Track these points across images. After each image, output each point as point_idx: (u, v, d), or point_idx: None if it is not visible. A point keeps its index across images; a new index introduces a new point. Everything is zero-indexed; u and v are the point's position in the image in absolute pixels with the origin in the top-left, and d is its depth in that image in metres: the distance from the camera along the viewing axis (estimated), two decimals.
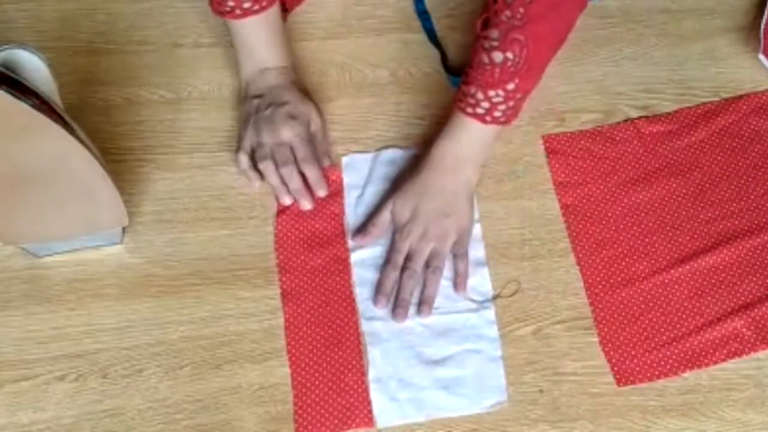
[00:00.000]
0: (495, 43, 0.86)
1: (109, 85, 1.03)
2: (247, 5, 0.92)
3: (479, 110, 0.88)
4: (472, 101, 0.88)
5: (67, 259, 0.92)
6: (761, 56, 1.04)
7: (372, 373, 0.86)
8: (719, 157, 0.98)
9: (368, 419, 0.84)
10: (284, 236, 0.93)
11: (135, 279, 0.91)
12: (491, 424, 0.84)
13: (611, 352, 0.87)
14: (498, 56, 0.86)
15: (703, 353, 0.87)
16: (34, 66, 0.77)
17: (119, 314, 0.89)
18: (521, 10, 0.85)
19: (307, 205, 0.93)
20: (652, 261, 0.92)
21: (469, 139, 0.91)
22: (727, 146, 0.99)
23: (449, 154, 0.91)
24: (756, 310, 0.88)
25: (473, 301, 0.90)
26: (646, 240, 0.93)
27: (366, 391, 0.85)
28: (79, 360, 0.87)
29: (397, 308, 0.88)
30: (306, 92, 0.99)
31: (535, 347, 0.88)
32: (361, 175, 0.97)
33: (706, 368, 0.86)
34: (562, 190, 0.96)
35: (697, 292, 0.90)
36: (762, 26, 1.04)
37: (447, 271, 0.91)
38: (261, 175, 0.94)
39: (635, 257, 0.92)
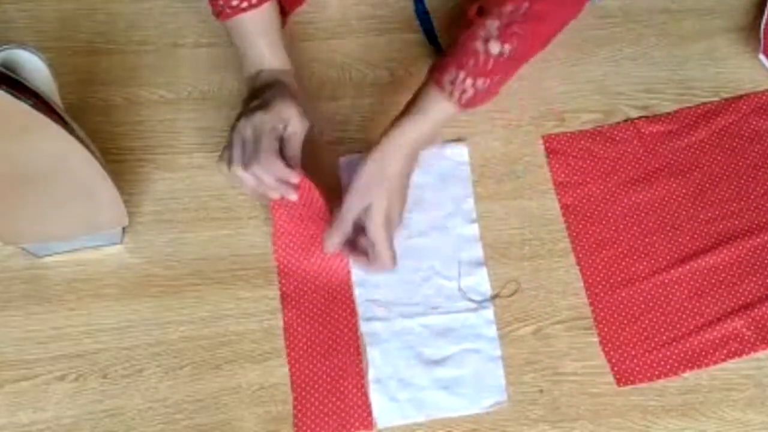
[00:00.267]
0: (495, 33, 0.85)
1: (109, 85, 1.03)
2: (235, 2, 0.91)
3: (462, 95, 0.85)
4: (459, 86, 0.85)
5: (67, 259, 0.92)
6: (761, 56, 1.04)
7: (372, 374, 0.86)
8: (719, 157, 0.98)
9: (367, 422, 0.84)
10: (282, 239, 0.92)
11: (135, 279, 0.91)
12: (491, 424, 0.84)
13: (611, 352, 0.87)
14: (495, 47, 0.84)
15: (703, 353, 0.87)
16: (34, 66, 0.77)
17: (119, 314, 0.89)
18: (526, 4, 0.84)
19: (294, 196, 0.87)
20: (652, 261, 0.92)
21: (437, 121, 0.87)
22: (727, 146, 0.99)
23: (411, 135, 0.87)
24: (756, 310, 0.88)
25: (472, 300, 0.90)
26: (646, 240, 0.93)
27: (365, 394, 0.85)
28: (79, 360, 0.87)
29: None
30: (294, 95, 0.93)
31: (535, 347, 0.88)
32: None
33: (706, 368, 0.86)
34: (562, 190, 0.96)
35: (697, 292, 0.90)
36: (762, 26, 1.04)
37: (447, 271, 0.91)
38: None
39: (635, 257, 0.92)
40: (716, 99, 1.02)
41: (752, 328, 0.88)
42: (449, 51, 0.87)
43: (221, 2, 0.92)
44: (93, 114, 1.00)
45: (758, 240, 0.93)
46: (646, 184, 0.96)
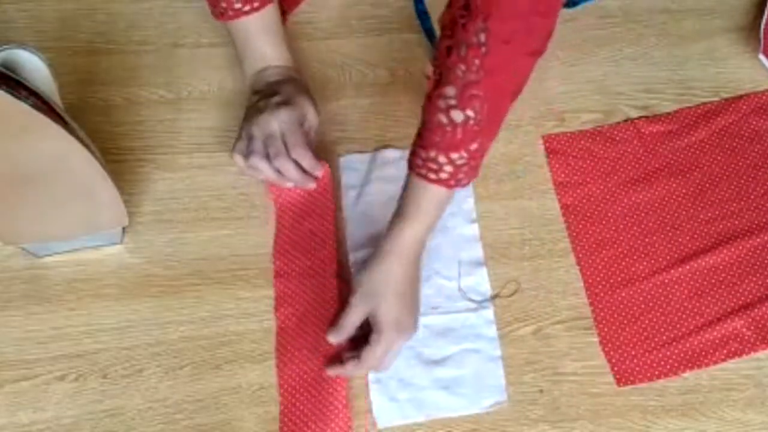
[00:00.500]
0: (453, 102, 0.77)
1: (109, 85, 1.03)
2: (237, 6, 0.92)
3: (443, 175, 0.79)
4: (434, 166, 0.79)
5: (67, 259, 0.92)
6: (761, 56, 1.04)
7: (372, 374, 0.86)
8: (719, 157, 0.98)
9: (347, 427, 0.82)
10: (280, 239, 0.92)
11: (135, 279, 0.91)
12: (491, 424, 0.84)
13: (611, 352, 0.87)
14: (458, 115, 0.77)
15: (703, 353, 0.87)
16: (34, 66, 0.77)
17: (119, 314, 0.89)
18: (477, 62, 0.75)
19: (312, 185, 0.93)
20: (652, 261, 0.92)
21: (434, 209, 0.83)
22: (727, 146, 0.99)
23: (412, 236, 0.82)
24: (756, 310, 0.88)
25: (472, 300, 0.90)
26: (646, 240, 0.93)
27: (347, 403, 0.83)
28: (79, 360, 0.87)
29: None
30: (307, 90, 0.97)
31: (535, 347, 0.88)
32: (359, 175, 0.97)
33: (706, 368, 0.86)
34: (562, 190, 0.96)
35: (697, 292, 0.90)
36: (762, 26, 1.04)
37: (447, 271, 0.91)
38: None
39: (635, 257, 0.92)
40: (716, 99, 1.02)
41: (752, 328, 0.88)
42: (418, 131, 0.82)
43: (224, 4, 0.92)
44: (93, 114, 1.00)
45: (758, 240, 0.93)
46: (646, 184, 0.96)
